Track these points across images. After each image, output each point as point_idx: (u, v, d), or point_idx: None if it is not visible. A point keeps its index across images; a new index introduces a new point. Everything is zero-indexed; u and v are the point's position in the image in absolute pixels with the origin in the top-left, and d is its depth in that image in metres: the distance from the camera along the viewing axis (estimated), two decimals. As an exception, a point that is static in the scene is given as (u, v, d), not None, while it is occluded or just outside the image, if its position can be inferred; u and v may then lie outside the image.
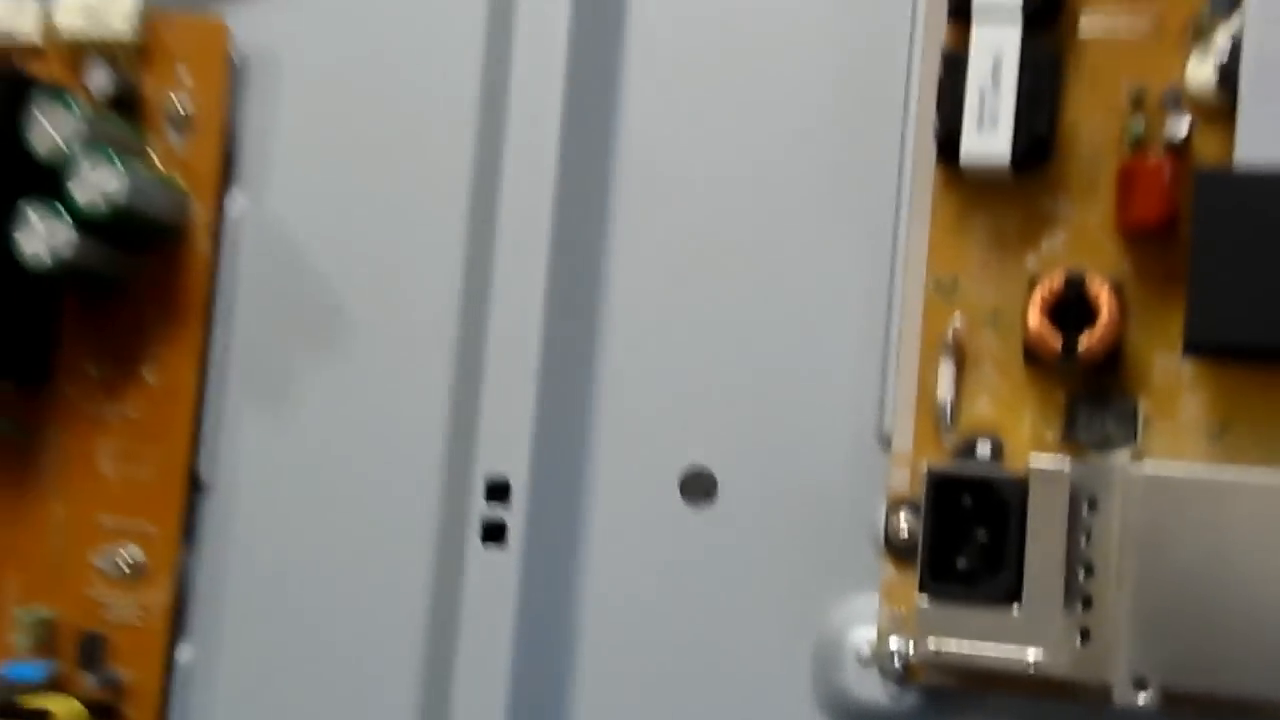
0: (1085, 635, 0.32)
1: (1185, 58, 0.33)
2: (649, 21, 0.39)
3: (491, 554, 0.37)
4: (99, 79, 0.40)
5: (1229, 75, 0.32)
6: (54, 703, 0.37)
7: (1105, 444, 0.33)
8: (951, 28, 0.34)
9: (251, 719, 0.40)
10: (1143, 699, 0.31)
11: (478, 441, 0.37)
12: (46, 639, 0.39)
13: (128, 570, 0.39)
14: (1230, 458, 0.32)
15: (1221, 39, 0.33)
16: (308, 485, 0.40)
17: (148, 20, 0.40)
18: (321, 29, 0.41)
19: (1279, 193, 0.31)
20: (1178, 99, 0.33)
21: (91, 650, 0.39)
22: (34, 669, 0.38)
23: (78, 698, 0.38)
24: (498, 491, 0.37)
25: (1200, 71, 0.33)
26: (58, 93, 0.38)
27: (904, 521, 0.34)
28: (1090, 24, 0.34)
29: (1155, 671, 0.31)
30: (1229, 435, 0.33)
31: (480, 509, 0.37)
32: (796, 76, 0.38)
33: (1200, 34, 0.33)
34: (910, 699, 0.35)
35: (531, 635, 0.37)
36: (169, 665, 0.39)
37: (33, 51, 0.40)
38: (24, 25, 0.40)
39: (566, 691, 0.38)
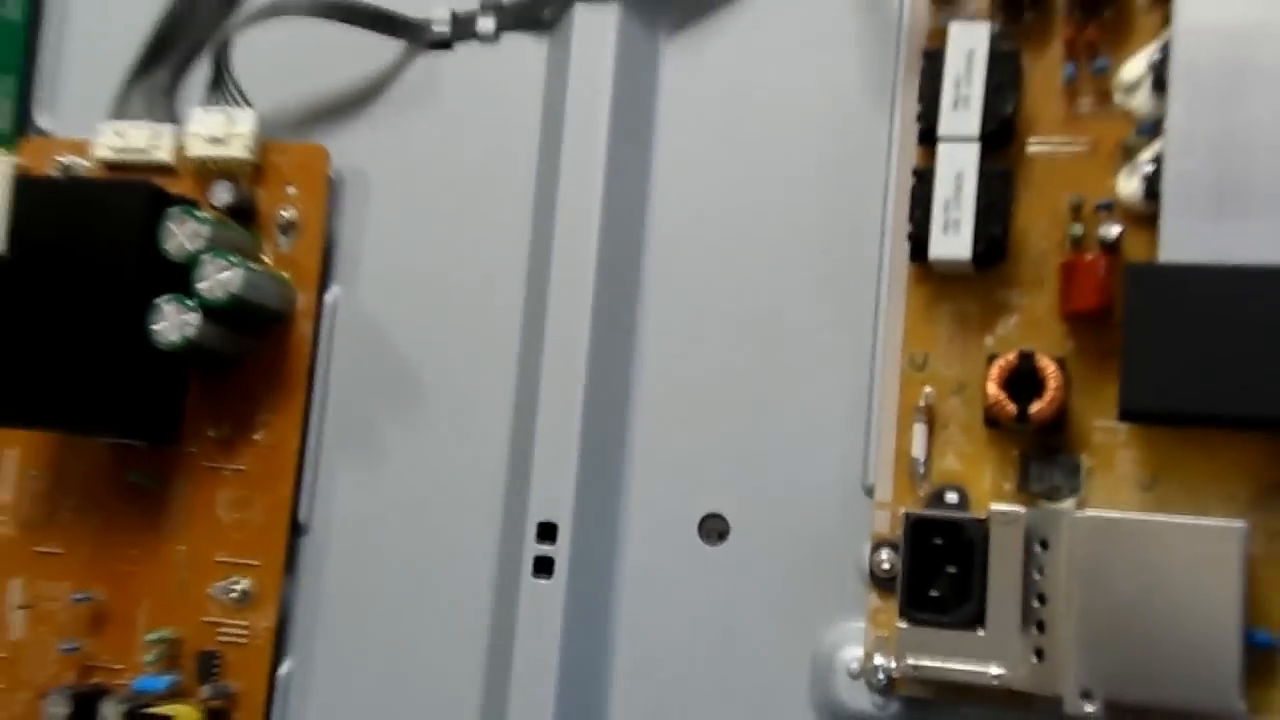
0: (1040, 654, 0.32)
1: (1116, 173, 0.34)
2: (676, 141, 0.40)
3: (541, 584, 0.37)
4: (221, 194, 0.40)
5: (1153, 187, 0.32)
6: (176, 710, 0.37)
7: (1054, 494, 0.33)
8: (921, 150, 0.35)
9: (341, 720, 0.40)
10: (1089, 708, 0.31)
11: (530, 492, 0.37)
12: (170, 656, 0.39)
13: (239, 598, 0.39)
14: (1159, 506, 0.33)
15: (1146, 158, 0.33)
16: (389, 527, 0.40)
17: (262, 146, 0.41)
18: (401, 153, 0.41)
19: (1196, 283, 0.31)
20: (1110, 207, 0.34)
21: (207, 665, 0.39)
22: (160, 681, 0.38)
23: (196, 706, 0.38)
24: (547, 533, 0.37)
25: (1129, 184, 0.33)
26: (187, 205, 0.38)
27: (885, 558, 0.34)
28: (1037, 145, 0.35)
29: (1099, 685, 0.31)
30: (1158, 487, 0.33)
31: (532, 547, 0.37)
32: (794, 194, 0.38)
33: (1129, 154, 0.34)
34: (893, 707, 0.35)
35: (574, 651, 0.37)
36: (272, 678, 0.39)
37: (167, 171, 0.41)
38: (161, 150, 0.41)
39: (604, 696, 0.38)
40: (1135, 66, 0.34)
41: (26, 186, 0.39)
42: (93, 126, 0.41)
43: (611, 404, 0.38)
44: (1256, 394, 0.30)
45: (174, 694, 0.38)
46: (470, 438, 0.39)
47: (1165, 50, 0.33)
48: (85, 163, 0.41)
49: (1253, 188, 0.31)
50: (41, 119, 0.44)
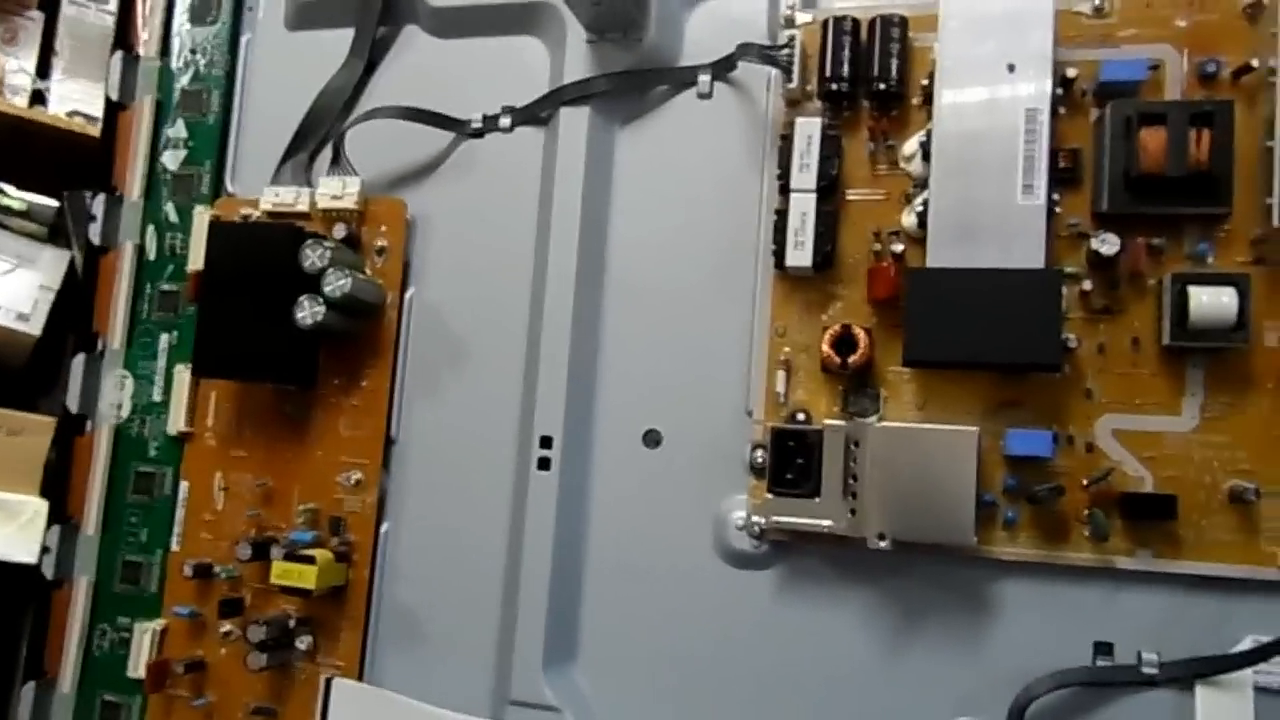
0: (854, 512, 0.34)
1: (901, 211, 0.36)
2: (626, 193, 0.40)
3: (543, 475, 0.38)
4: (339, 229, 0.42)
5: (923, 221, 0.35)
6: (318, 553, 0.39)
7: (863, 413, 0.36)
8: (780, 197, 0.37)
9: (419, 559, 0.41)
10: (882, 544, 0.33)
11: (535, 414, 0.39)
12: (312, 520, 0.41)
13: (354, 484, 0.41)
14: (927, 419, 0.35)
15: (919, 202, 0.35)
16: (446, 439, 0.41)
17: (364, 199, 0.42)
18: (452, 203, 0.42)
19: (949, 280, 0.33)
20: (898, 233, 0.36)
21: (336, 525, 0.41)
22: (307, 535, 0.41)
23: (329, 550, 0.40)
24: (546, 441, 0.38)
25: (909, 218, 0.36)
26: (318, 238, 0.40)
27: (760, 455, 0.36)
28: (852, 194, 0.37)
29: (889, 529, 0.33)
30: (927, 407, 0.35)
31: (536, 451, 0.39)
32: (703, 223, 0.39)
33: (908, 200, 0.36)
34: (764, 548, 0.37)
35: (564, 519, 0.38)
36: (376, 533, 0.41)
37: (305, 217, 0.43)
38: (302, 204, 0.43)
39: (582, 546, 0.39)
40: (911, 144, 0.36)
41: (219, 228, 0.41)
42: (260, 189, 0.44)
43: (586, 359, 0.40)
44: (984, 348, 0.32)
45: (315, 543, 0.41)
46: (496, 381, 0.41)
47: (929, 135, 0.35)
48: (255, 212, 0.43)
49: (980, 222, 0.33)
50: (230, 185, 0.46)
